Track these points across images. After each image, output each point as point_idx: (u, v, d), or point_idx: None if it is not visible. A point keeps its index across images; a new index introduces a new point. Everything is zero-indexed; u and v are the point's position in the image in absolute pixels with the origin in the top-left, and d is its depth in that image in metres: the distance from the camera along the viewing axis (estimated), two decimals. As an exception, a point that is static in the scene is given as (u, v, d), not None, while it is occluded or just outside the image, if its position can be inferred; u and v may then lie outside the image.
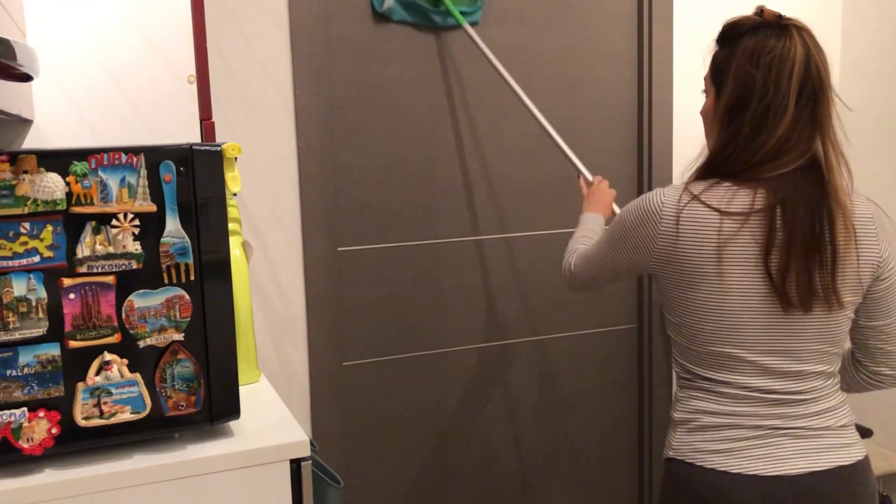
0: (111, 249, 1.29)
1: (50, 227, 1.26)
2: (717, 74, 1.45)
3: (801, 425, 1.42)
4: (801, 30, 1.38)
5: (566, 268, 1.73)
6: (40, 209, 1.25)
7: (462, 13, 2.35)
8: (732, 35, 1.42)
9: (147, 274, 1.32)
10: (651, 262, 1.46)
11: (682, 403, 1.50)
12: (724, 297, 1.39)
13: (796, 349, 1.41)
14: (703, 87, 1.52)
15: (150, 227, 1.32)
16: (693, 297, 1.42)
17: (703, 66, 1.52)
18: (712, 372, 1.44)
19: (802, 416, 1.43)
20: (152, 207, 1.32)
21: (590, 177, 2.09)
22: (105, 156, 1.28)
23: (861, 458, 1.44)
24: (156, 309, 1.33)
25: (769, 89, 1.35)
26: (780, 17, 1.40)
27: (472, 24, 2.37)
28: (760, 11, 1.41)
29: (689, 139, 2.70)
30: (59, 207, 1.26)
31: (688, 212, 1.40)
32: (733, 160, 1.40)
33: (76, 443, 1.31)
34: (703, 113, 1.52)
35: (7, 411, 1.26)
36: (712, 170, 1.44)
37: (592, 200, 1.98)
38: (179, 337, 1.35)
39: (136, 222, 1.31)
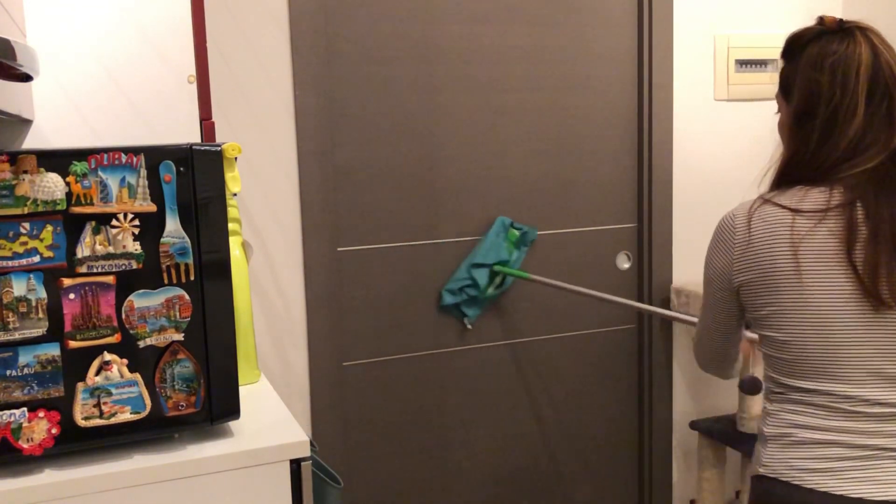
0: (111, 249, 1.29)
1: (50, 227, 1.26)
2: (786, 87, 1.42)
3: None
4: (866, 30, 1.35)
5: (694, 354, 1.64)
6: (40, 209, 1.25)
7: (513, 265, 2.53)
8: (795, 47, 1.40)
9: (147, 274, 1.32)
10: (734, 275, 1.40)
11: (775, 417, 1.39)
12: (806, 297, 1.32)
13: None
14: (776, 109, 1.49)
15: (150, 227, 1.32)
16: (775, 302, 1.35)
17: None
18: (808, 381, 1.34)
19: None
20: (152, 207, 1.32)
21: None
22: (105, 156, 1.28)
23: None
24: (156, 309, 1.33)
25: (836, 92, 1.32)
26: (841, 21, 1.37)
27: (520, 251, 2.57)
28: (821, 20, 1.39)
29: (689, 139, 2.70)
30: (59, 207, 1.26)
31: (759, 214, 1.37)
32: (805, 165, 1.36)
33: (76, 443, 1.31)
34: (778, 128, 1.47)
35: (7, 411, 1.26)
36: (785, 178, 1.41)
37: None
38: (179, 337, 1.35)
39: (136, 222, 1.31)
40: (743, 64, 2.72)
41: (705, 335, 1.55)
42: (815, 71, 1.35)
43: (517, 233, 2.51)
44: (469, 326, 2.54)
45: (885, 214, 1.28)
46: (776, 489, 1.35)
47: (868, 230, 1.29)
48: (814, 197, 1.34)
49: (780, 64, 1.45)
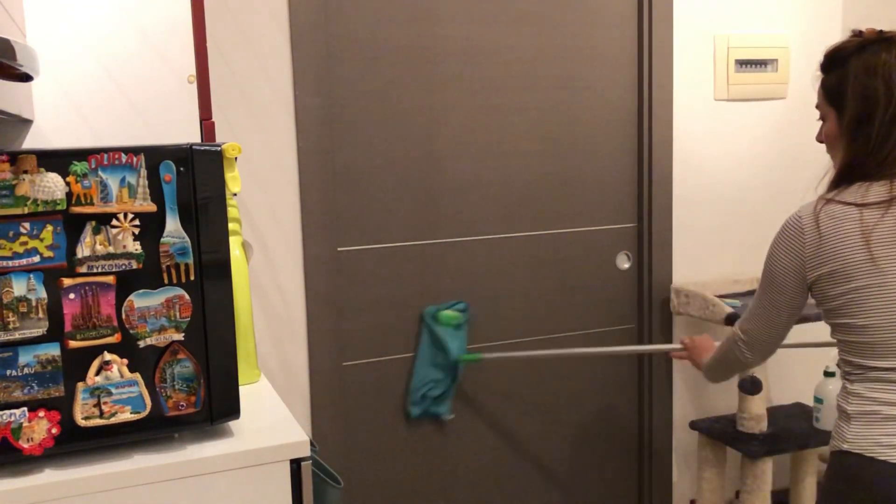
0: (111, 249, 1.29)
1: (50, 227, 1.26)
2: (834, 96, 1.51)
3: None
4: None
5: (738, 350, 1.66)
6: (40, 209, 1.25)
7: (462, 350, 2.45)
8: (838, 59, 1.50)
9: (147, 274, 1.32)
10: (808, 271, 1.49)
11: (858, 396, 1.47)
12: (883, 282, 1.42)
13: None
14: (818, 116, 1.57)
15: (150, 227, 1.32)
16: (852, 290, 1.45)
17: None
18: (889, 360, 1.44)
19: None
20: (152, 207, 1.32)
21: (678, 344, 2.06)
22: (105, 156, 1.28)
23: None
24: (156, 309, 1.33)
25: (894, 95, 1.44)
26: (881, 32, 1.47)
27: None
28: (860, 32, 1.49)
29: (689, 139, 2.70)
30: (59, 207, 1.26)
31: (825, 212, 1.47)
32: (865, 164, 1.47)
33: (76, 443, 1.31)
34: (827, 136, 1.56)
35: (7, 411, 1.26)
36: (844, 178, 1.50)
37: (699, 353, 1.93)
38: (179, 337, 1.35)
39: (136, 222, 1.31)
40: (743, 64, 2.72)
41: (763, 331, 1.61)
42: (869, 78, 1.45)
43: (450, 312, 2.45)
44: (450, 417, 2.50)
45: None
46: (861, 464, 1.43)
47: None
48: (876, 190, 1.45)
49: (819, 76, 1.54)
